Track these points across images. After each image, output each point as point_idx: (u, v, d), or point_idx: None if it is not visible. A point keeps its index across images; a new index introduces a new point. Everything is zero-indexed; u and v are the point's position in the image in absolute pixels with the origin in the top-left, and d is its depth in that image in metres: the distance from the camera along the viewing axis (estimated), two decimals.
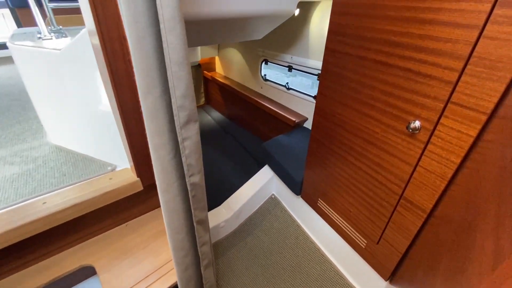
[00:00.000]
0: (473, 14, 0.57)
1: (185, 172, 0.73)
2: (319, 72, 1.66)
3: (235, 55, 2.59)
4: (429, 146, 0.74)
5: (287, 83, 1.97)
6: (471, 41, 0.58)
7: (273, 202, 1.77)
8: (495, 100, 0.58)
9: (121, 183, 1.11)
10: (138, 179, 1.14)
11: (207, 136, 2.71)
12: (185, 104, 0.63)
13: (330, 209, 1.25)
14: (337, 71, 0.97)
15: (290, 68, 1.89)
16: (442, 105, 0.68)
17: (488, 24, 0.55)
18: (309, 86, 1.98)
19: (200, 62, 2.87)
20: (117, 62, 0.86)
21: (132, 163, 1.13)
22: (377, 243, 1.03)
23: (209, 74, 2.95)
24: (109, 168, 1.20)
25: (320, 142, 1.17)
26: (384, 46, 0.77)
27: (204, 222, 0.93)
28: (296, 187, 1.46)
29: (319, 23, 1.57)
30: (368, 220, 1.04)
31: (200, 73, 2.98)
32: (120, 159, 1.22)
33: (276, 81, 2.12)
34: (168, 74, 0.58)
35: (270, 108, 2.02)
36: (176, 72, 0.58)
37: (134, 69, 0.58)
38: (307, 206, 1.45)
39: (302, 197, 1.47)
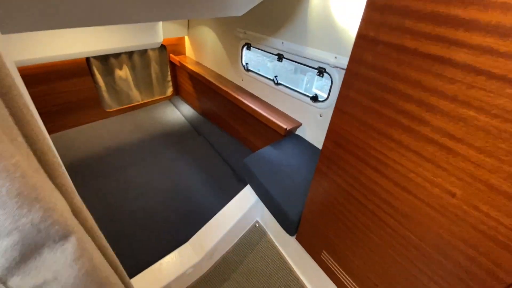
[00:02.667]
0: None
1: None
2: (320, 65, 1.23)
3: (208, 36, 2.06)
4: None
5: (276, 76, 1.53)
6: None
7: (257, 233, 1.39)
8: None
9: None
10: None
11: (174, 137, 2.21)
12: None
13: (340, 270, 0.89)
14: (377, 79, 0.56)
15: (280, 57, 1.44)
16: None
17: None
18: (292, 71, 1.56)
19: (164, 43, 2.28)
20: None
21: None
22: None
23: (177, 58, 2.39)
24: None
25: (331, 179, 0.78)
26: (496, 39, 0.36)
27: None
28: (290, 227, 1.07)
29: None
30: None
31: (166, 57, 2.41)
32: None
33: (261, 73, 1.67)
34: None
35: (254, 109, 1.58)
36: None
37: None
38: (305, 251, 1.08)
39: (297, 239, 1.09)
